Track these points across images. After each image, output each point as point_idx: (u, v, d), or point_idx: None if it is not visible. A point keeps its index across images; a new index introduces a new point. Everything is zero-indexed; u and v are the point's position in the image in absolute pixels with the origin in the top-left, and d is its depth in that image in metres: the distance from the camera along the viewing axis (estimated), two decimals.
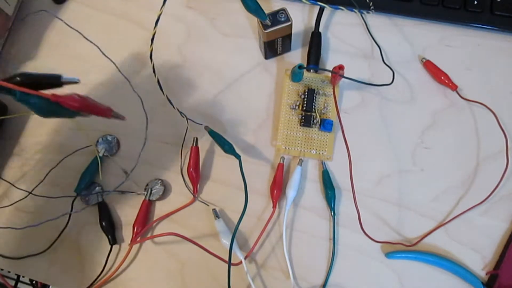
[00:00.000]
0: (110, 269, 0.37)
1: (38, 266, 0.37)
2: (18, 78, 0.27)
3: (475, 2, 0.41)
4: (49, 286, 0.51)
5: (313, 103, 0.39)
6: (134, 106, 0.41)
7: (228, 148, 0.36)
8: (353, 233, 0.37)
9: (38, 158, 0.39)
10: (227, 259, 0.34)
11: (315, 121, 0.39)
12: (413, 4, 0.42)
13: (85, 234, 0.38)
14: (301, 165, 0.38)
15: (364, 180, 0.38)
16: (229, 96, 0.41)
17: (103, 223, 0.37)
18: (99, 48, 0.38)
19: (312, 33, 0.41)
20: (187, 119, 0.37)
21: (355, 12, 0.39)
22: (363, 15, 0.42)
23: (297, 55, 0.42)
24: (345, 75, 0.37)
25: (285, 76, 0.40)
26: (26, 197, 0.38)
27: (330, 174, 0.38)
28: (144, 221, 0.37)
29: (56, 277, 0.37)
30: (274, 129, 0.40)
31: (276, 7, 0.40)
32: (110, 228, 0.37)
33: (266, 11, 0.35)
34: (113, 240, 0.37)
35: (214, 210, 0.37)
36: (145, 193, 0.38)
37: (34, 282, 0.57)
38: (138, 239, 0.37)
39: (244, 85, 0.41)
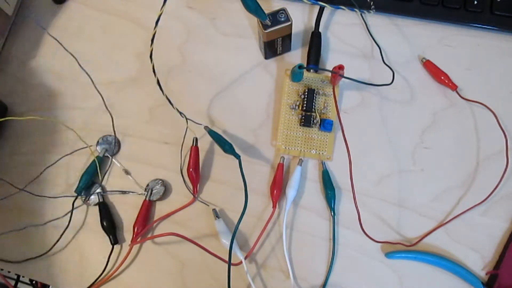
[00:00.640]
0: (111, 269, 0.37)
1: (38, 266, 0.37)
2: None
3: (475, 2, 0.41)
4: (49, 286, 0.51)
5: (313, 103, 0.39)
6: (134, 106, 0.41)
7: (228, 148, 0.36)
8: (353, 233, 0.37)
9: (38, 158, 0.39)
10: (227, 259, 0.34)
11: (315, 121, 0.39)
12: (413, 4, 0.42)
13: (85, 234, 0.38)
14: (301, 165, 0.38)
15: (364, 180, 0.38)
16: (229, 96, 0.41)
17: (104, 223, 0.37)
18: (76, 60, 0.38)
19: (312, 33, 0.41)
20: (186, 119, 0.37)
21: (356, 11, 0.39)
22: (363, 15, 0.42)
23: (297, 55, 0.42)
24: (345, 75, 0.37)
25: (285, 76, 0.40)
26: (15, 193, 0.38)
27: (330, 174, 0.38)
28: (145, 221, 0.37)
29: (56, 277, 0.37)
30: (274, 129, 0.40)
31: (276, 7, 0.40)
32: (111, 228, 0.37)
33: (266, 11, 0.35)
34: (114, 240, 0.37)
35: (214, 210, 0.37)
36: (146, 193, 0.38)
37: (34, 282, 0.57)
38: (139, 240, 0.37)
39: (244, 85, 0.41)
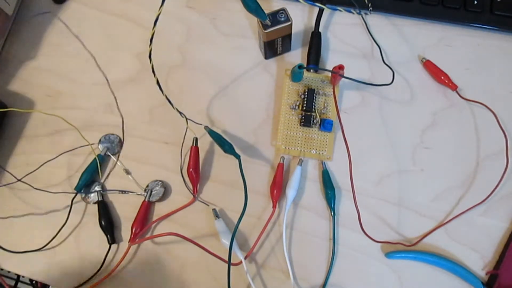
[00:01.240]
0: (108, 268, 0.37)
1: (37, 265, 0.37)
2: None
3: (475, 2, 0.41)
4: (48, 286, 0.51)
5: (313, 103, 0.39)
6: (134, 106, 0.41)
7: (227, 148, 0.36)
8: (353, 233, 0.37)
9: (38, 155, 0.39)
10: (227, 259, 0.34)
11: (315, 121, 0.39)
12: (413, 4, 0.42)
13: (84, 233, 0.38)
14: (301, 165, 0.38)
15: (364, 180, 0.38)
16: (229, 96, 0.41)
17: (103, 222, 0.37)
18: (94, 60, 0.38)
19: (312, 33, 0.41)
20: (186, 119, 0.37)
21: (353, 13, 0.39)
22: (363, 15, 0.42)
23: (297, 55, 0.42)
24: (345, 75, 0.37)
25: (285, 76, 0.40)
26: (14, 182, 0.38)
27: (330, 174, 0.38)
28: (143, 222, 0.37)
29: (55, 276, 0.37)
30: (274, 129, 0.40)
31: (276, 7, 0.40)
32: (109, 227, 0.37)
33: (266, 11, 0.35)
34: (112, 239, 0.37)
35: (214, 210, 0.37)
36: (145, 194, 0.38)
37: (34, 282, 0.57)
38: (138, 240, 0.37)
39: (244, 85, 0.41)
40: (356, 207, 0.35)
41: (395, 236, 0.37)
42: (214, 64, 0.42)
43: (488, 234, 0.37)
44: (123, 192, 0.39)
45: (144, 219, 0.37)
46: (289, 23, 0.36)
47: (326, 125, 0.38)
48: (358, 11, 0.40)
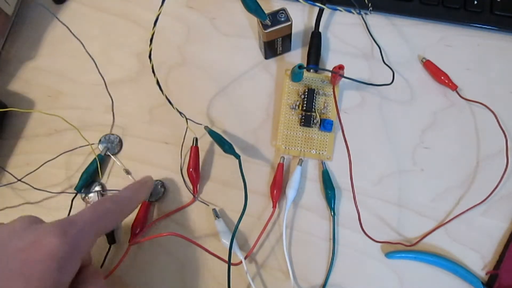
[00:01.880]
0: (108, 268, 0.37)
1: None
2: None
3: (475, 2, 0.41)
4: None
5: (313, 103, 0.39)
6: (134, 106, 0.41)
7: (227, 148, 0.36)
8: (353, 233, 0.37)
9: (38, 155, 0.39)
10: (227, 259, 0.34)
11: (315, 121, 0.39)
12: (413, 4, 0.42)
13: None
14: (301, 165, 0.38)
15: (364, 180, 0.38)
16: (229, 96, 0.41)
17: None
18: (94, 61, 0.38)
19: (312, 33, 0.41)
20: (186, 119, 0.37)
21: (353, 13, 0.39)
22: (363, 15, 0.42)
23: (297, 55, 0.42)
24: (345, 75, 0.37)
25: (285, 76, 0.40)
26: (14, 182, 0.38)
27: (330, 174, 0.38)
28: (143, 222, 0.37)
29: None
30: (274, 129, 0.40)
31: (276, 7, 0.40)
32: None
33: (266, 11, 0.35)
34: (112, 239, 0.37)
35: (214, 210, 0.37)
36: None
37: None
38: (138, 240, 0.37)
39: (244, 85, 0.41)
40: (356, 207, 0.35)
41: (395, 236, 0.37)
42: (214, 64, 0.42)
43: (488, 234, 0.37)
44: None
45: (144, 219, 0.37)
46: (289, 23, 0.36)
47: (326, 125, 0.38)
48: (358, 11, 0.40)
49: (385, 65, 0.40)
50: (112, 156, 0.39)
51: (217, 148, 0.39)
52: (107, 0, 0.44)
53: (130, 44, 0.42)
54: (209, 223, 0.37)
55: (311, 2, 0.34)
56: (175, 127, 0.40)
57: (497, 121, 0.38)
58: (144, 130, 0.40)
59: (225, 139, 0.36)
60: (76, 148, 0.39)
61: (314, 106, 0.39)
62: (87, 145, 0.39)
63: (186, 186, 0.38)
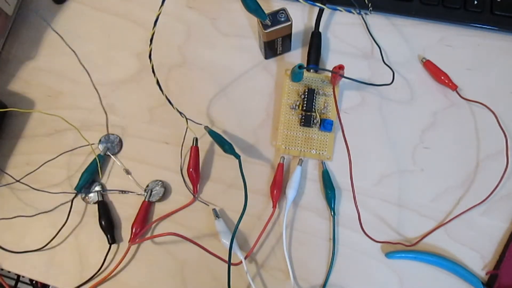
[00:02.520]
0: (108, 268, 0.37)
1: (38, 265, 0.37)
2: None
3: (475, 2, 0.41)
4: (49, 286, 0.51)
5: (313, 103, 0.39)
6: (135, 106, 0.41)
7: (228, 148, 0.36)
8: (353, 233, 0.37)
9: (38, 155, 0.39)
10: (227, 258, 0.34)
11: (315, 121, 0.39)
12: (413, 4, 0.42)
13: (84, 233, 0.38)
14: (301, 165, 0.38)
15: (364, 180, 0.38)
16: (229, 96, 0.41)
17: (102, 222, 0.37)
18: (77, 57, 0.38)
19: (312, 33, 0.41)
20: (186, 119, 0.37)
21: (353, 13, 0.39)
22: (363, 15, 0.42)
23: (297, 55, 0.42)
24: (345, 75, 0.37)
25: (285, 76, 0.40)
26: (13, 183, 0.38)
27: (330, 174, 0.38)
28: (143, 222, 0.37)
29: (55, 276, 0.37)
30: (274, 129, 0.40)
31: (276, 7, 0.40)
32: (109, 227, 0.37)
33: (266, 11, 0.35)
34: (112, 239, 0.37)
35: (214, 210, 0.37)
36: (145, 194, 0.38)
37: (34, 282, 0.57)
38: (138, 240, 0.37)
39: (244, 85, 0.41)
40: (356, 207, 0.35)
41: (395, 236, 0.37)
42: (214, 64, 0.42)
43: (488, 234, 0.37)
44: (123, 192, 0.39)
45: (144, 219, 0.37)
46: (289, 23, 0.36)
47: (326, 125, 0.38)
48: (358, 11, 0.40)
49: (385, 65, 0.40)
50: (112, 156, 0.39)
51: (217, 148, 0.39)
52: (107, 0, 0.44)
53: (130, 44, 0.42)
54: (209, 223, 0.37)
55: (311, 2, 0.34)
56: (175, 127, 0.40)
57: (497, 121, 0.38)
58: (144, 130, 0.40)
59: (225, 139, 0.36)
60: (76, 148, 0.39)
61: (314, 106, 0.39)
62: (87, 145, 0.39)
63: (186, 186, 0.38)
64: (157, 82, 0.33)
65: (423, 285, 0.36)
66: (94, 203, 0.38)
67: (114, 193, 0.39)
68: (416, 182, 0.38)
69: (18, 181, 0.38)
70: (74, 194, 0.38)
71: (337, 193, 0.38)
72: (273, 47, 0.40)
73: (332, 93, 0.39)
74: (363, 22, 0.42)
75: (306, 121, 0.38)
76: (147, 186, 0.38)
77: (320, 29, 0.41)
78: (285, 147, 0.39)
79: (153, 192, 0.38)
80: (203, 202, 0.38)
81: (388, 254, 0.36)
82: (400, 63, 0.41)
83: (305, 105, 0.39)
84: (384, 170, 0.38)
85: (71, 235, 0.38)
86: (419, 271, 0.36)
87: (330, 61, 0.41)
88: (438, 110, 0.40)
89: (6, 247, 0.37)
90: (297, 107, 0.39)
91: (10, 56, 0.42)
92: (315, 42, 0.41)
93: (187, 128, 0.38)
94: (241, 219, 0.33)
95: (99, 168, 0.38)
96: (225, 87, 0.41)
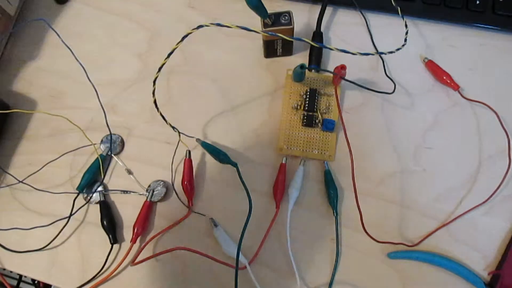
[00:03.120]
0: (110, 268, 0.37)
1: (39, 265, 0.37)
2: None
3: (477, 2, 0.41)
4: (51, 286, 0.52)
5: (315, 103, 0.39)
6: (136, 106, 0.41)
7: (223, 157, 0.35)
8: (355, 233, 0.37)
9: (41, 155, 0.39)
10: (229, 263, 0.33)
11: (317, 121, 0.39)
12: (415, 4, 0.41)
13: (86, 233, 0.38)
14: (303, 165, 0.38)
15: (366, 180, 0.38)
16: (230, 95, 0.41)
17: (104, 222, 0.37)
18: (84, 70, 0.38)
19: (314, 32, 0.41)
20: (179, 133, 0.36)
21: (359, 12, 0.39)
22: (364, 15, 0.42)
23: (299, 55, 0.42)
24: (347, 75, 0.37)
25: (287, 76, 0.40)
26: (15, 184, 0.38)
27: (332, 174, 0.38)
28: (145, 222, 0.37)
29: (57, 276, 0.37)
30: (276, 129, 0.40)
31: (279, 7, 0.40)
32: (111, 227, 0.37)
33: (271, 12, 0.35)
34: (114, 239, 0.37)
35: (211, 219, 0.37)
36: (147, 194, 0.38)
37: (36, 282, 0.57)
38: (139, 260, 0.36)
39: (246, 84, 0.41)
40: (358, 207, 0.35)
41: (397, 236, 0.37)
42: (216, 64, 0.42)
43: (491, 234, 0.37)
44: (125, 192, 0.39)
45: (146, 219, 0.37)
46: (291, 26, 0.36)
47: (328, 125, 0.38)
48: (360, 11, 0.40)
49: (386, 65, 0.40)
50: (114, 156, 0.39)
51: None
52: (109, 0, 0.44)
53: (132, 44, 0.42)
54: (207, 231, 0.37)
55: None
56: (177, 127, 0.40)
57: (500, 121, 0.38)
58: (146, 130, 0.40)
59: (219, 149, 0.36)
60: (78, 148, 0.39)
61: (316, 106, 0.39)
62: (90, 145, 0.39)
63: (180, 199, 0.38)
64: (153, 92, 0.33)
65: (425, 285, 0.36)
66: (96, 203, 0.38)
67: (116, 193, 0.39)
68: (418, 182, 0.38)
69: (20, 181, 0.38)
70: (76, 194, 0.38)
71: (339, 193, 0.38)
72: (272, 48, 0.40)
73: (334, 93, 0.39)
74: (365, 22, 0.42)
75: (308, 121, 0.38)
76: (149, 186, 0.38)
77: (322, 29, 0.41)
78: (287, 147, 0.39)
79: (155, 192, 0.38)
80: (199, 214, 0.38)
81: (390, 254, 0.36)
82: (402, 63, 0.41)
83: (307, 105, 0.39)
84: (386, 170, 0.38)
85: (73, 235, 0.38)
86: (421, 271, 0.36)
87: (331, 61, 0.41)
88: (440, 110, 0.40)
89: (8, 247, 0.37)
90: (299, 107, 0.39)
91: (13, 56, 0.42)
92: (316, 42, 0.41)
93: (179, 142, 0.38)
94: (245, 228, 0.33)
95: (101, 168, 0.38)
96: (227, 86, 0.41)
